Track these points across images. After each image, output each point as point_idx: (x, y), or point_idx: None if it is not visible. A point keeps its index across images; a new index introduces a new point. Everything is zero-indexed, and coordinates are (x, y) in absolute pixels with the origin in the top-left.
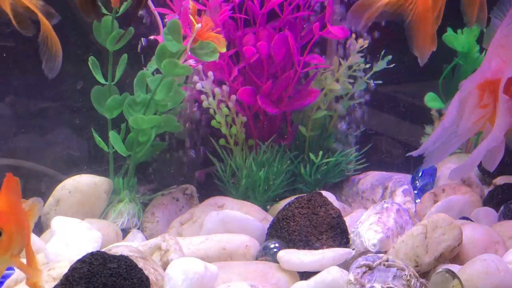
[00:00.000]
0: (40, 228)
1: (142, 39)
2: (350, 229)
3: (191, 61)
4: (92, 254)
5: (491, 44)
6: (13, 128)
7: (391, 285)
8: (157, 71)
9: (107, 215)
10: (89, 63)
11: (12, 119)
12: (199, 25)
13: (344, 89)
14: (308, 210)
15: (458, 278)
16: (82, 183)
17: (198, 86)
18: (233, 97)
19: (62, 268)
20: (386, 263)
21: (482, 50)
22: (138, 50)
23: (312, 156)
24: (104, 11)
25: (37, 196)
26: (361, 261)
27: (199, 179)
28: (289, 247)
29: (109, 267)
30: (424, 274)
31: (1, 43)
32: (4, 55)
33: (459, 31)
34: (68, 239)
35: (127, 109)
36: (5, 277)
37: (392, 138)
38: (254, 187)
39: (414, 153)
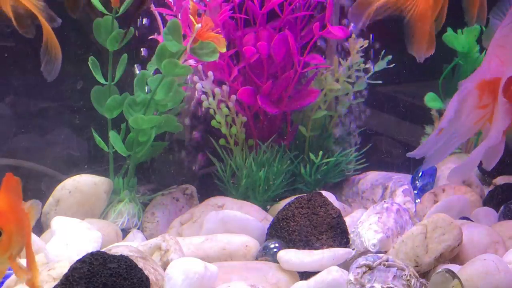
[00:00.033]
0: (40, 228)
1: (142, 49)
2: (350, 229)
3: (191, 61)
4: (92, 254)
5: (490, 44)
6: (13, 128)
7: (391, 285)
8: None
9: (107, 215)
10: (89, 63)
11: (12, 119)
12: (199, 25)
13: (344, 89)
14: (308, 210)
15: (458, 278)
16: (82, 183)
17: (198, 86)
18: (233, 97)
19: (62, 268)
20: (386, 263)
21: (482, 50)
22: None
23: (312, 156)
24: (104, 11)
25: (37, 196)
26: (361, 261)
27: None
28: (289, 247)
29: (109, 267)
30: (424, 274)
31: (1, 43)
32: (4, 55)
33: (459, 31)
34: (68, 239)
35: (127, 109)
36: (5, 277)
37: (392, 138)
38: (254, 187)
39: (414, 155)
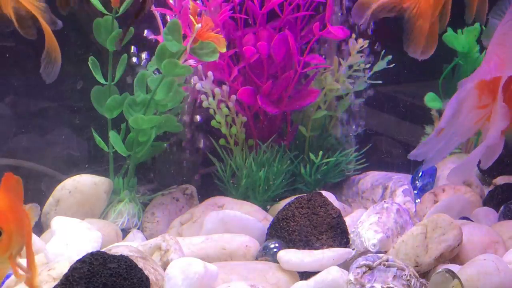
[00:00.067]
0: (40, 228)
1: (143, 54)
2: (350, 229)
3: (191, 61)
4: (92, 254)
5: (490, 43)
6: (13, 128)
7: (391, 285)
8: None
9: (107, 215)
10: (89, 63)
11: (12, 119)
12: (199, 25)
13: (344, 89)
14: (308, 210)
15: (458, 278)
16: (82, 183)
17: (198, 86)
18: (233, 97)
19: (62, 268)
20: (386, 263)
21: (482, 50)
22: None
23: (312, 156)
24: (104, 11)
25: (37, 196)
26: (361, 261)
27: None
28: (289, 247)
29: (109, 267)
30: (424, 274)
31: (1, 43)
32: (5, 55)
33: (459, 31)
34: (68, 239)
35: (127, 109)
36: (6, 276)
37: (392, 138)
38: (254, 187)
39: (415, 156)
